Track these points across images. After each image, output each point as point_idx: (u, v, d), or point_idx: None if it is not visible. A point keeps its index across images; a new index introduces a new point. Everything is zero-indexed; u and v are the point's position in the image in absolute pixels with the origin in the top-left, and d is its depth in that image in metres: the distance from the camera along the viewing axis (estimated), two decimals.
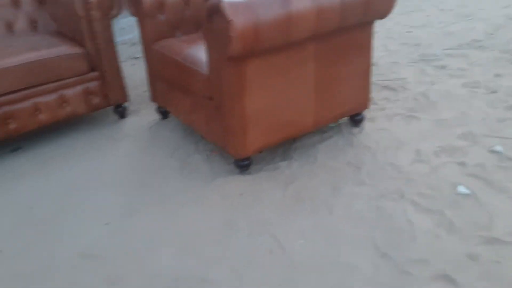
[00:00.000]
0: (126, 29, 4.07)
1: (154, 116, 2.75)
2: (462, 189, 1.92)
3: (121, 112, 2.73)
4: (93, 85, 2.54)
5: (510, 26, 3.86)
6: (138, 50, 3.90)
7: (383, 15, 2.16)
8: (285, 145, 2.36)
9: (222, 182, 2.11)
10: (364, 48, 2.25)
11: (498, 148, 2.19)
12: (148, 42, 2.43)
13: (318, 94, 2.15)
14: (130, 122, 2.72)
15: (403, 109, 2.62)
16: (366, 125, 2.48)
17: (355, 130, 2.44)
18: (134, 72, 3.47)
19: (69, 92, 2.48)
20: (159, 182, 2.16)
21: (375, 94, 2.82)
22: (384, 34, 3.96)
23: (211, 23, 1.83)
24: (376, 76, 3.07)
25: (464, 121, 2.45)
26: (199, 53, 2.12)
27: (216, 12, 1.76)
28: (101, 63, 2.53)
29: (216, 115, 2.07)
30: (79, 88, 2.50)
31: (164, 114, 2.71)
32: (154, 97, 2.61)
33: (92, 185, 2.17)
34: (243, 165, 2.11)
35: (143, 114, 2.81)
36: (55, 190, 2.15)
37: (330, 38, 2.08)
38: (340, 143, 2.34)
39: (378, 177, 2.05)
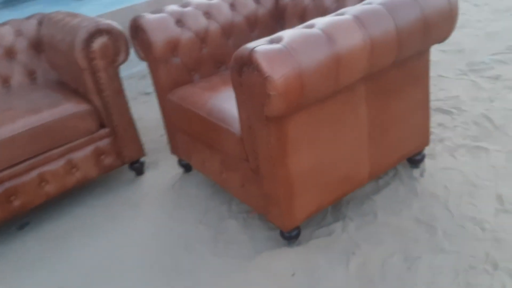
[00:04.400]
0: (133, 61, 3.72)
1: (176, 169, 2.40)
2: None
3: (138, 169, 2.39)
4: (104, 143, 2.20)
5: None
6: (149, 84, 3.56)
7: (443, 38, 1.78)
8: None
9: (267, 258, 1.75)
10: (420, 79, 1.87)
11: None
12: (163, 90, 2.08)
13: (373, 140, 1.78)
14: (150, 179, 2.38)
15: (465, 138, 2.23)
16: (427, 164, 2.10)
17: (416, 172, 2.06)
18: (147, 111, 3.13)
19: (77, 156, 2.14)
20: (191, 263, 1.81)
21: None
22: None
23: (242, 77, 1.47)
24: None
25: None
26: (226, 105, 1.77)
27: (248, 64, 1.41)
28: (111, 118, 2.19)
29: (254, 178, 1.71)
30: (88, 150, 2.16)
31: (187, 167, 2.36)
32: (175, 150, 2.26)
33: (115, 269, 1.83)
34: (291, 236, 1.75)
35: (162, 167, 2.46)
36: (73, 281, 1.81)
37: (383, 74, 1.71)
38: (401, 192, 1.96)
39: (459, 239, 1.67)
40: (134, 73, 3.74)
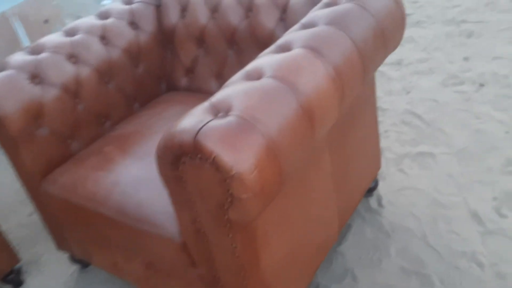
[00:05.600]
0: None
1: (69, 265, 1.78)
2: None
3: (15, 280, 1.71)
4: None
5: None
6: None
7: (398, 44, 1.45)
8: None
9: None
10: (369, 99, 1.54)
11: None
12: (32, 179, 1.44)
13: (338, 189, 1.41)
14: None
15: (404, 145, 1.99)
16: (380, 188, 1.80)
17: (372, 202, 1.75)
18: None
19: None
20: None
21: None
22: None
23: (180, 170, 0.96)
24: None
25: (488, 144, 1.89)
26: (143, 194, 1.23)
27: (193, 154, 0.90)
28: None
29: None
30: None
31: (84, 261, 1.75)
32: (63, 246, 1.64)
33: None
34: None
35: (48, 265, 1.81)
36: None
37: None
38: (369, 234, 1.63)
39: (461, 285, 1.40)
40: None
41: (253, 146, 0.88)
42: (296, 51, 1.10)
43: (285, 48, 1.13)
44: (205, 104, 0.98)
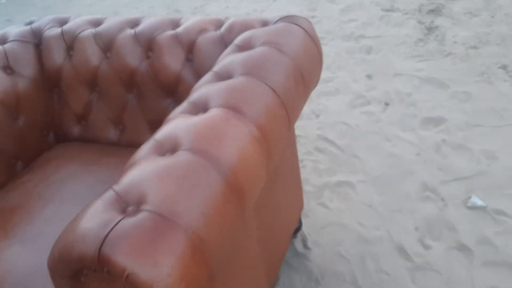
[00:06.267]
0: None
1: None
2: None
3: None
4: None
5: None
6: None
7: (317, 80, 1.35)
8: None
9: None
10: (291, 142, 1.42)
11: (477, 201, 1.69)
12: None
13: (265, 247, 1.28)
14: None
15: (321, 175, 1.91)
16: (304, 227, 1.71)
17: (298, 244, 1.65)
18: None
19: None
20: None
21: None
22: None
23: (80, 282, 0.76)
24: None
25: (402, 168, 1.88)
26: None
27: (98, 269, 0.71)
28: None
29: None
30: None
31: None
32: None
33: None
34: None
35: None
36: None
37: None
38: (298, 284, 1.52)
39: None
40: None
41: (176, 252, 0.71)
42: (214, 113, 0.94)
43: (201, 106, 0.97)
44: (110, 194, 0.78)
